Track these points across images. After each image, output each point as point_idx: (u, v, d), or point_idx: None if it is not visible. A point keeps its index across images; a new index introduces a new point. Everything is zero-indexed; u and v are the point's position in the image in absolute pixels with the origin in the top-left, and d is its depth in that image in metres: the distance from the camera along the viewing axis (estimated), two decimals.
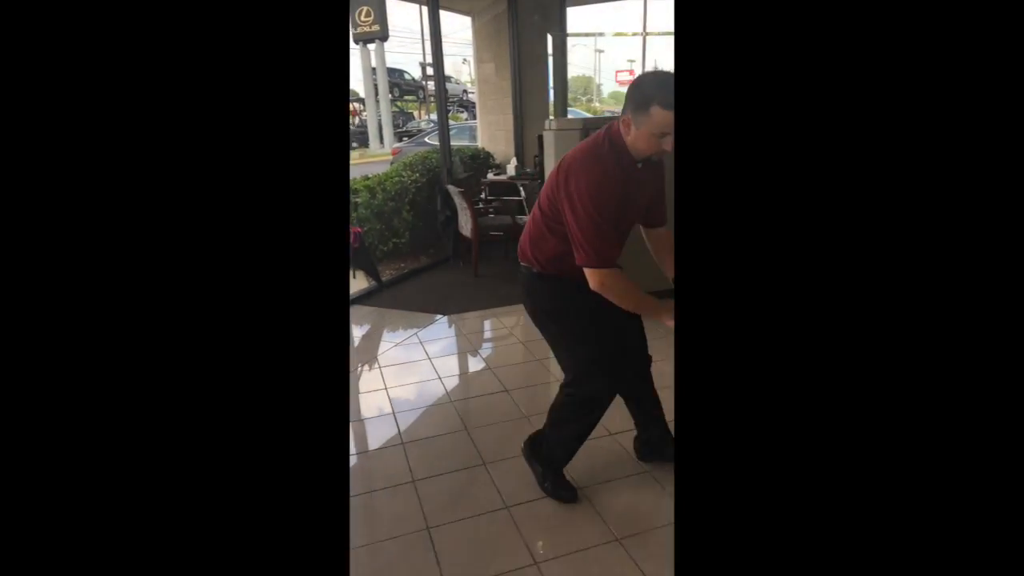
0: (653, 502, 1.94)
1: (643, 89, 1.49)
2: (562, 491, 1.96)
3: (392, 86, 14.70)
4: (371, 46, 4.65)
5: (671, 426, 2.09)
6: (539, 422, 2.05)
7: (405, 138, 12.15)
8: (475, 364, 3.16)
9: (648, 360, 2.03)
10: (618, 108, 2.63)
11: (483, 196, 5.43)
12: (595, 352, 1.79)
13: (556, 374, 2.30)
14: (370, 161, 11.92)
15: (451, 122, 8.87)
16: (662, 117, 1.45)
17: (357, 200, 4.72)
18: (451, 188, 4.77)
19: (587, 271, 1.59)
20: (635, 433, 2.17)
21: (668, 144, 1.51)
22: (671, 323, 1.54)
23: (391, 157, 9.18)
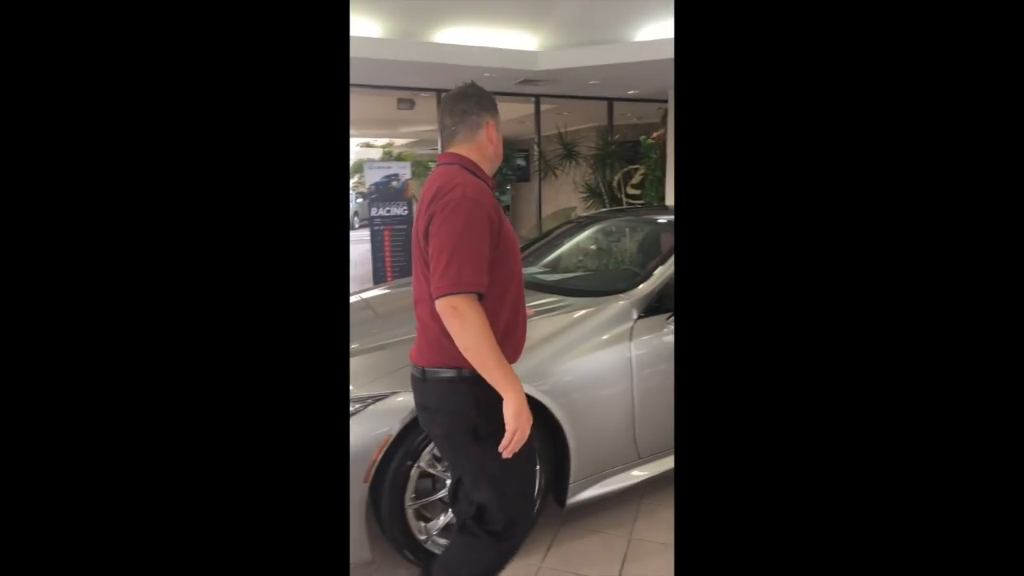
0: None
1: (477, 95, 1.36)
2: None
3: None
4: None
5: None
6: None
7: None
8: None
9: None
10: None
11: None
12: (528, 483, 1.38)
13: None
14: None
15: None
16: (498, 118, 1.38)
17: None
18: None
19: (441, 299, 1.18)
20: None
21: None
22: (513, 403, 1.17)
23: None
